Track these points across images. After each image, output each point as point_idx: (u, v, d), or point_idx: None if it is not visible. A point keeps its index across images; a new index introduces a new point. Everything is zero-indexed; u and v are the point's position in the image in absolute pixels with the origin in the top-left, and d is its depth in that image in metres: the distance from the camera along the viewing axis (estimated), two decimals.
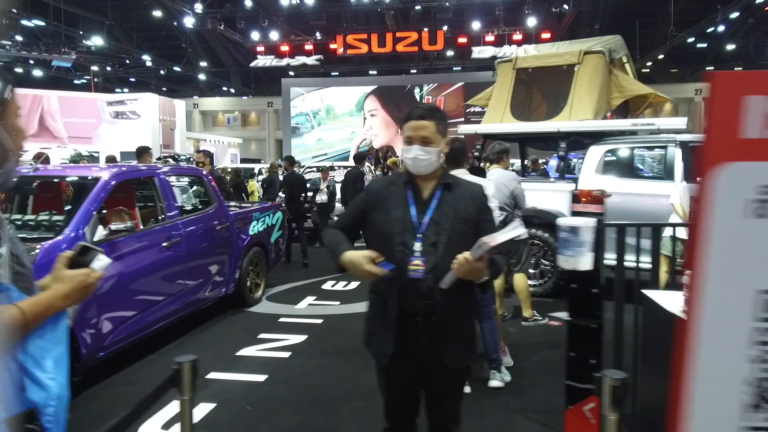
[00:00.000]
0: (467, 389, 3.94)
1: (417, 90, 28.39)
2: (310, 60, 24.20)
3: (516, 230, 2.01)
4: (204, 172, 6.29)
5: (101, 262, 1.50)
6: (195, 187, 6.54)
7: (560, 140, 6.75)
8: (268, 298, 6.64)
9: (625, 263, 3.12)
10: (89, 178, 4.46)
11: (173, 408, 3.58)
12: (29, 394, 1.35)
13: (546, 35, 20.71)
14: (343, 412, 3.75)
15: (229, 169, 12.51)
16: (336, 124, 29.46)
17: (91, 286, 1.46)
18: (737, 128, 0.98)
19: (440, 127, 2.19)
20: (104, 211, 4.63)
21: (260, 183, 12.62)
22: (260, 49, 24.20)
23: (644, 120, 6.80)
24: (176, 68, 27.77)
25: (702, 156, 1.00)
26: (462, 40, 22.92)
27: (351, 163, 13.09)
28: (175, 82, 32.00)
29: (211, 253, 5.48)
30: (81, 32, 23.18)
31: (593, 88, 6.79)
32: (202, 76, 30.66)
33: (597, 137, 6.55)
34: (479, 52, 22.70)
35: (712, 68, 28.25)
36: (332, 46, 23.42)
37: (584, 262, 2.28)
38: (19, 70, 25.59)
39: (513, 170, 10.00)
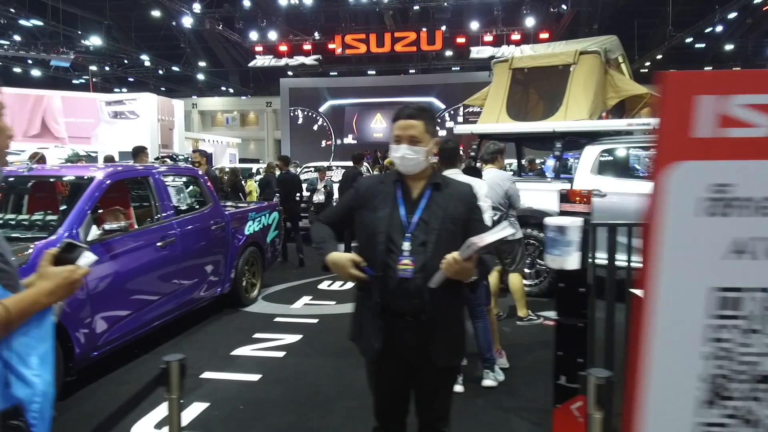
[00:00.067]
0: (460, 388, 3.96)
1: None
2: (309, 60, 24.20)
3: (505, 230, 2.01)
4: (200, 173, 6.30)
5: (87, 259, 1.51)
6: (191, 187, 6.54)
7: (556, 140, 6.75)
8: (264, 297, 6.65)
9: (617, 262, 3.13)
10: (83, 177, 4.46)
11: (166, 408, 3.58)
12: (14, 390, 1.36)
13: (544, 35, 20.70)
14: (336, 411, 3.76)
15: (227, 169, 12.50)
16: None
17: (76, 282, 1.46)
18: (688, 128, 0.99)
19: (429, 127, 2.20)
20: (100, 211, 4.64)
21: (257, 183, 12.62)
22: (259, 49, 24.20)
23: (640, 120, 6.80)
24: (175, 68, 27.77)
25: (654, 155, 1.01)
26: (460, 40, 22.92)
27: (349, 163, 13.07)
28: (173, 82, 32.00)
29: (206, 253, 5.48)
30: (79, 32, 23.18)
31: (589, 88, 6.80)
32: (200, 76, 30.67)
33: (592, 137, 6.56)
34: (478, 52, 22.70)
35: (711, 68, 28.33)
36: (331, 46, 23.41)
37: (571, 261, 2.29)
38: (17, 69, 25.62)
39: (511, 170, 10.01)
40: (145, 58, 26.30)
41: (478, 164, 6.39)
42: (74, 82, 28.85)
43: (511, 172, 10.46)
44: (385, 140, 26.52)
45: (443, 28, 22.73)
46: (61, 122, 21.18)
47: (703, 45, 25.75)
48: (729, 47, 25.82)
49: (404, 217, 2.16)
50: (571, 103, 6.79)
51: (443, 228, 2.13)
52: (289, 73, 29.21)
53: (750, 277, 1.02)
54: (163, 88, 30.07)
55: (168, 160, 12.99)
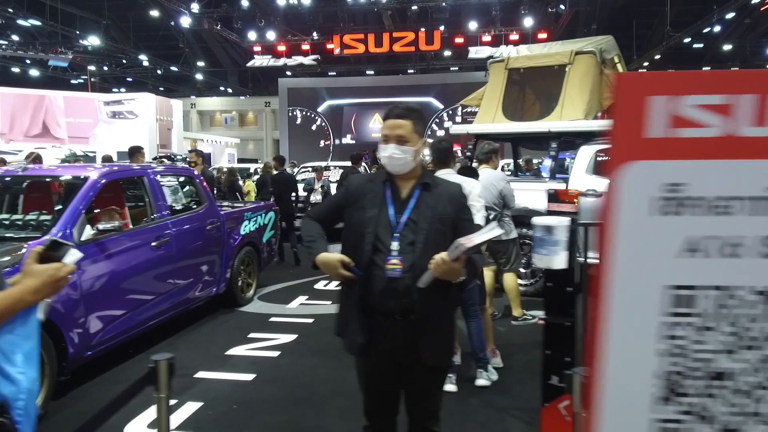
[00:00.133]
0: (454, 388, 3.98)
1: None
2: (307, 60, 24.18)
3: (493, 231, 2.03)
4: (196, 173, 6.30)
5: (73, 256, 1.51)
6: (186, 187, 6.55)
7: (551, 140, 6.76)
8: (260, 297, 6.65)
9: None
10: (78, 177, 4.47)
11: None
12: None
13: (543, 35, 20.68)
14: (329, 410, 3.77)
15: (225, 169, 12.51)
16: None
17: (61, 280, 1.47)
18: (642, 128, 1.00)
19: (417, 127, 2.20)
20: (96, 211, 4.65)
21: (255, 183, 12.61)
22: (257, 49, 24.19)
23: None
24: (173, 68, 27.76)
25: (609, 155, 1.02)
26: (459, 40, 22.91)
27: (347, 163, 13.08)
28: (172, 81, 32.00)
29: (202, 253, 5.49)
30: (78, 32, 23.16)
31: (584, 88, 6.81)
32: (199, 76, 30.66)
33: (588, 137, 6.57)
34: (476, 52, 22.68)
35: (709, 68, 28.35)
36: (329, 46, 23.39)
37: (558, 260, 2.30)
38: (15, 69, 25.61)
39: (509, 170, 10.00)
40: (144, 58, 26.28)
41: (474, 164, 6.41)
42: (72, 82, 28.83)
43: (509, 172, 10.49)
44: None
45: (442, 28, 22.72)
46: (62, 122, 21.23)
47: (701, 45, 25.76)
48: (727, 47, 25.84)
49: (393, 217, 2.18)
50: (567, 103, 6.80)
51: (432, 228, 2.14)
52: (288, 73, 29.20)
53: (703, 276, 1.03)
54: (161, 88, 30.06)
55: (165, 160, 12.99)
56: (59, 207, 4.40)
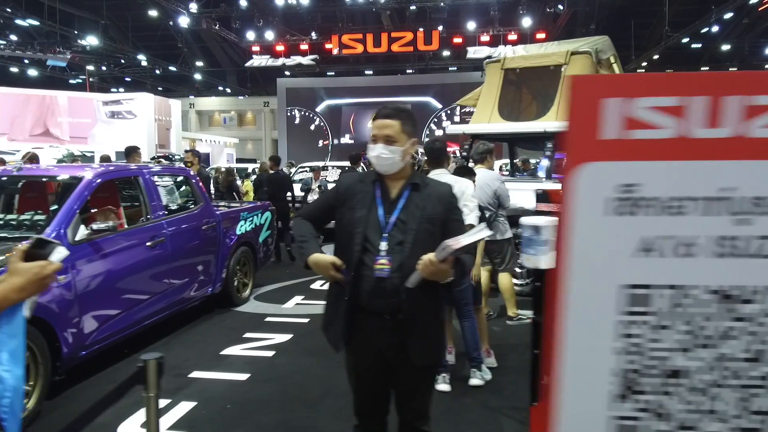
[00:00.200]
0: (447, 387, 3.99)
1: None
2: (306, 60, 24.19)
3: (481, 233, 2.03)
4: (192, 173, 6.31)
5: (59, 254, 1.52)
6: (182, 187, 6.55)
7: (547, 140, 6.77)
8: (256, 297, 6.66)
9: None
10: (73, 177, 4.47)
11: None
12: None
13: (541, 35, 20.71)
14: (322, 410, 3.77)
15: (223, 169, 12.51)
16: None
17: (47, 278, 1.47)
18: (596, 130, 1.01)
19: (406, 127, 2.21)
20: (93, 210, 4.66)
21: (252, 183, 12.62)
22: (256, 48, 24.20)
23: None
24: (172, 68, 27.75)
25: (565, 156, 1.03)
26: (457, 40, 22.92)
27: (346, 163, 13.09)
28: (171, 81, 31.99)
29: (197, 253, 5.49)
30: (76, 32, 23.15)
31: None
32: (197, 76, 30.65)
33: None
34: (474, 53, 22.69)
35: (707, 69, 28.36)
36: (327, 46, 23.40)
37: (545, 260, 2.31)
38: (14, 69, 25.60)
39: (507, 171, 9.98)
40: (142, 58, 26.26)
41: (470, 164, 6.41)
42: (71, 81, 28.82)
43: (507, 172, 10.49)
44: None
45: (440, 28, 22.74)
46: (64, 123, 21.29)
47: (699, 45, 25.78)
48: (725, 47, 25.86)
49: (382, 217, 2.18)
50: (563, 103, 6.76)
51: (421, 228, 2.15)
52: (286, 73, 29.20)
53: (658, 275, 1.04)
54: (160, 88, 30.06)
55: (163, 160, 12.99)
56: (54, 207, 4.41)
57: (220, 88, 34.62)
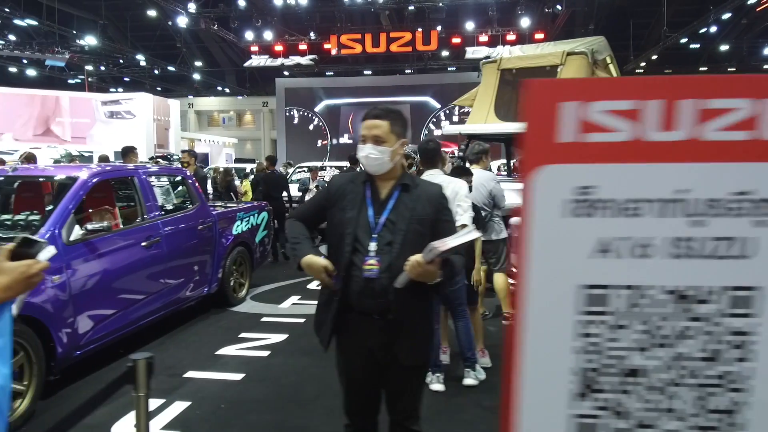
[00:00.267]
0: (441, 387, 4.00)
1: None
2: (305, 60, 24.20)
3: (469, 235, 2.04)
4: (188, 173, 6.32)
5: (47, 253, 1.53)
6: (179, 188, 6.56)
7: None
8: (253, 297, 6.67)
9: None
10: (67, 177, 4.48)
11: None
12: None
13: (539, 36, 20.72)
14: (316, 410, 3.78)
15: (221, 169, 12.54)
16: None
17: (33, 277, 1.48)
18: (553, 133, 1.03)
19: (395, 128, 2.22)
20: (90, 210, 4.67)
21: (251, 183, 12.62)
22: (254, 48, 24.21)
23: None
24: (171, 68, 27.75)
25: (523, 159, 1.05)
26: (456, 40, 22.94)
27: (345, 163, 13.11)
28: (169, 81, 31.98)
29: (193, 253, 5.50)
30: (75, 32, 23.16)
31: None
32: (196, 76, 30.64)
33: None
34: (473, 53, 22.71)
35: (706, 69, 28.38)
36: (326, 46, 23.42)
37: None
38: (12, 69, 25.60)
39: (505, 171, 9.99)
40: (141, 58, 26.27)
41: (467, 164, 6.42)
42: (69, 81, 28.83)
43: (505, 173, 10.50)
44: None
45: (439, 28, 22.75)
46: (66, 123, 21.35)
47: (697, 45, 25.81)
48: (724, 48, 25.88)
49: (372, 218, 2.19)
50: None
51: (410, 229, 2.16)
52: (285, 73, 29.21)
53: (615, 275, 1.06)
54: (159, 88, 30.07)
55: (161, 160, 13.01)
56: (50, 207, 4.41)
57: (219, 88, 34.62)
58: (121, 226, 4.80)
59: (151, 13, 23.85)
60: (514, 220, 2.55)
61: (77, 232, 4.12)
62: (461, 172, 4.43)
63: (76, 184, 4.33)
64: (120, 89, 30.26)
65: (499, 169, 12.95)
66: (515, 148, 9.56)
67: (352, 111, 29.87)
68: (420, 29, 22.55)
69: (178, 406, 3.79)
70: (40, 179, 4.98)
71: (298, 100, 30.40)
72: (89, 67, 26.12)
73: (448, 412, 3.71)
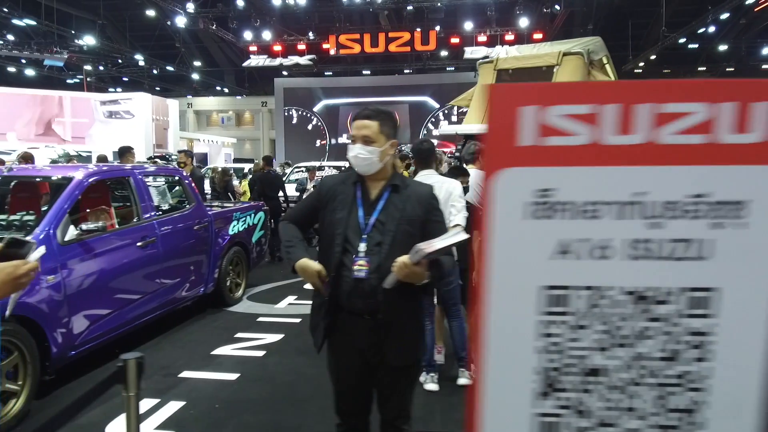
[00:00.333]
0: (435, 387, 4.00)
1: None
2: (303, 60, 24.23)
3: (457, 236, 2.04)
4: (185, 173, 6.32)
5: (36, 253, 1.54)
6: (176, 188, 6.57)
7: None
8: (249, 297, 6.67)
9: None
10: (63, 177, 4.49)
11: (140, 407, 3.60)
12: None
13: (538, 36, 20.75)
14: (310, 409, 3.79)
15: (219, 169, 12.54)
16: None
17: (21, 277, 1.49)
18: (514, 137, 1.04)
19: (384, 128, 2.22)
20: (87, 210, 4.68)
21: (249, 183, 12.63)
22: (253, 48, 24.22)
23: None
24: (169, 68, 27.75)
25: (485, 162, 1.06)
26: (454, 40, 22.98)
27: (344, 163, 13.12)
28: (168, 81, 31.98)
29: (188, 253, 5.51)
30: (73, 31, 23.15)
31: None
32: (195, 76, 30.64)
33: None
34: (472, 53, 22.73)
35: (704, 69, 28.41)
36: (325, 46, 23.44)
37: None
38: (11, 69, 25.59)
39: None
40: (140, 58, 26.26)
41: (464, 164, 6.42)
42: (68, 81, 28.82)
43: None
44: None
45: (437, 28, 22.78)
46: (67, 123, 21.38)
47: (696, 45, 25.82)
48: (723, 48, 25.90)
49: (362, 219, 2.20)
50: None
51: (399, 229, 2.16)
52: (284, 73, 29.22)
53: (575, 276, 1.07)
54: (157, 88, 30.05)
55: (159, 160, 13.01)
56: (45, 207, 4.42)
57: (218, 88, 34.62)
58: (117, 226, 4.80)
59: (150, 12, 23.85)
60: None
61: (72, 232, 4.13)
62: (458, 172, 4.44)
63: (71, 184, 4.34)
64: (119, 89, 30.25)
65: None
66: None
67: (350, 111, 29.82)
68: (418, 29, 22.58)
69: (173, 406, 3.80)
70: (36, 179, 4.98)
71: (296, 100, 30.41)
72: (88, 67, 26.12)
73: (443, 412, 3.72)
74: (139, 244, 4.77)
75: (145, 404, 3.78)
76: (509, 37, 21.76)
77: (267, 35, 23.55)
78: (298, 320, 5.79)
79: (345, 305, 2.19)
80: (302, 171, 13.18)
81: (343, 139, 29.98)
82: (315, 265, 2.16)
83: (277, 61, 24.33)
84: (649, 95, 1.04)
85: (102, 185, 4.91)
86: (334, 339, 2.29)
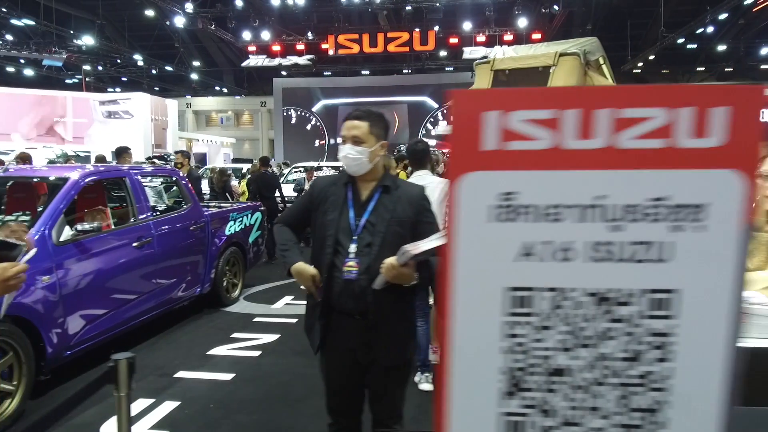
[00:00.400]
0: (430, 387, 4.02)
1: None
2: (302, 60, 24.24)
3: (443, 238, 2.04)
4: (181, 174, 6.34)
5: (27, 255, 1.55)
6: (172, 188, 6.58)
7: None
8: (246, 297, 6.69)
9: None
10: (58, 178, 4.50)
11: (135, 407, 3.63)
12: None
13: (537, 36, 20.76)
14: (304, 409, 3.81)
15: (217, 169, 12.55)
16: None
17: (11, 279, 1.50)
18: (477, 141, 1.06)
19: (374, 129, 2.24)
20: (85, 211, 4.69)
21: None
22: (252, 48, 24.24)
23: None
24: (168, 68, 27.77)
25: (450, 166, 1.08)
26: (453, 40, 22.99)
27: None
28: (167, 81, 31.99)
29: (184, 253, 5.52)
30: (72, 31, 23.17)
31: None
32: (194, 76, 30.66)
33: None
34: (470, 53, 22.72)
35: (703, 69, 28.44)
36: (324, 46, 23.45)
37: None
38: (10, 69, 25.60)
39: None
40: (139, 58, 26.29)
41: None
42: (67, 81, 28.82)
43: None
44: None
45: (436, 28, 22.79)
46: (68, 123, 21.42)
47: (695, 46, 25.85)
48: (721, 48, 25.93)
49: (353, 220, 2.22)
50: None
51: (389, 230, 2.18)
52: (283, 73, 29.23)
53: (539, 278, 1.09)
54: (156, 88, 30.06)
55: (157, 160, 13.02)
56: (41, 208, 4.43)
57: (217, 88, 34.63)
58: (113, 227, 4.82)
59: (149, 12, 23.86)
60: None
61: (68, 232, 4.14)
62: None
63: (67, 184, 4.35)
64: (117, 89, 30.26)
65: None
66: None
67: (349, 111, 29.77)
68: (417, 29, 22.60)
69: (167, 406, 3.81)
70: (33, 180, 5.00)
71: (295, 100, 30.41)
72: (87, 67, 26.13)
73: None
74: (135, 244, 4.79)
75: (140, 404, 3.80)
76: (508, 37, 21.77)
77: (266, 35, 23.56)
78: (294, 321, 5.81)
79: (336, 306, 2.21)
80: (300, 171, 13.20)
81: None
82: (310, 269, 2.19)
83: (276, 61, 24.34)
84: (609, 100, 1.07)
85: (98, 186, 4.92)
86: (327, 340, 2.31)
